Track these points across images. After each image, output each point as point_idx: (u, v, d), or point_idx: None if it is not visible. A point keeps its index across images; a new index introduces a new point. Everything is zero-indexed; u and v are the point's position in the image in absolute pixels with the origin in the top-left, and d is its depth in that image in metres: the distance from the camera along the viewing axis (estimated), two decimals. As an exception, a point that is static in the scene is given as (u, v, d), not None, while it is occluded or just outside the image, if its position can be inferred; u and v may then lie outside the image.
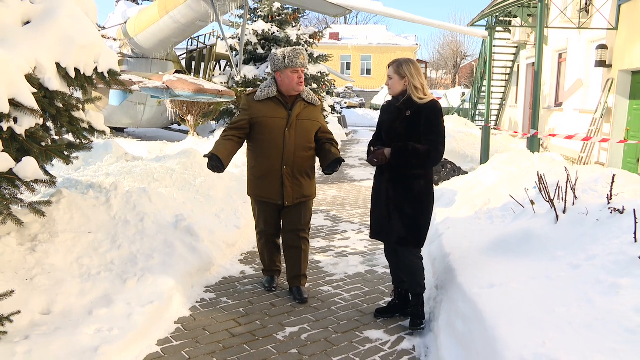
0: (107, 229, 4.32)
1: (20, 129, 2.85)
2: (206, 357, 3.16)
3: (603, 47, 10.53)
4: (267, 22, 15.13)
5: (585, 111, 11.65)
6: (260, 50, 15.00)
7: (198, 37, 15.51)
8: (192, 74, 14.95)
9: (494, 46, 16.15)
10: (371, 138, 3.73)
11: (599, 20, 10.99)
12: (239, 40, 14.26)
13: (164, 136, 14.33)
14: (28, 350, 2.75)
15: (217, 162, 3.70)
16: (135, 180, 5.57)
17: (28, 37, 3.40)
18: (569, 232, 3.29)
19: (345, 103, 34.03)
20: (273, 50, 4.02)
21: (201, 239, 4.66)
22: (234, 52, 14.54)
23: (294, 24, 16.02)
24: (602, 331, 2.19)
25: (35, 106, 2.86)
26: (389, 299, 4.01)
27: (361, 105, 37.24)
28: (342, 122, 23.91)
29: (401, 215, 3.46)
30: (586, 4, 11.84)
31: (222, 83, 13.73)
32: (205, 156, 3.78)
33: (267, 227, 4.16)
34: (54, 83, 3.23)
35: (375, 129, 3.75)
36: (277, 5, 15.12)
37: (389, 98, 3.70)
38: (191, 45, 16.29)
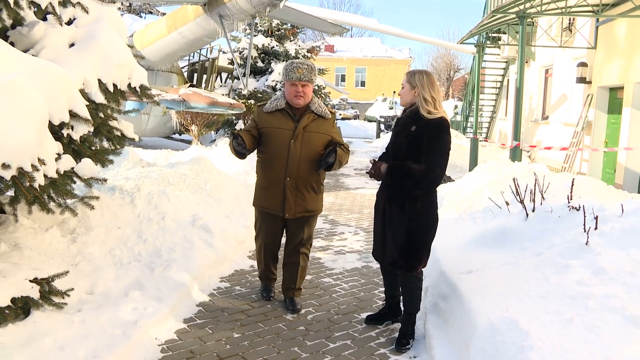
0: (133, 225, 4.87)
1: (76, 135, 3.42)
2: (227, 332, 3.70)
3: (583, 64, 11.23)
4: (266, 37, 15.79)
5: (568, 124, 12.32)
6: (260, 64, 15.65)
7: (200, 50, 16.12)
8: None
9: (485, 61, 16.89)
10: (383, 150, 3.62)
11: (580, 39, 11.69)
12: (240, 53, 14.93)
13: (167, 145, 14.86)
14: (82, 320, 3.29)
15: (241, 141, 3.69)
16: (153, 184, 6.13)
17: (75, 57, 3.96)
18: (536, 226, 3.88)
19: (340, 115, 34.80)
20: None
21: (215, 236, 5.21)
22: (235, 65, 15.16)
23: (292, 39, 16.71)
24: (551, 299, 2.77)
25: (89, 116, 3.42)
26: (381, 303, 4.06)
27: (355, 117, 37.96)
28: (337, 133, 24.65)
29: (394, 237, 3.33)
30: (569, 23, 12.56)
31: (223, 95, 14.34)
32: (232, 133, 3.79)
33: (267, 238, 4.12)
34: (100, 97, 3.79)
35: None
36: (276, 20, 15.79)
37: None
38: (193, 57, 16.89)
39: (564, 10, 9.68)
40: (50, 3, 3.61)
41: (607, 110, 10.77)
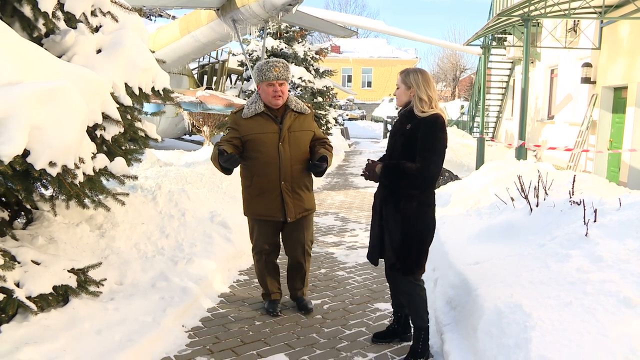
0: (156, 221, 5.12)
1: (108, 136, 3.67)
2: (248, 320, 3.95)
3: (588, 65, 11.41)
4: (275, 39, 16.03)
5: (573, 124, 12.49)
6: (268, 65, 15.88)
7: (210, 52, 16.39)
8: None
9: (491, 61, 17.07)
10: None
11: (585, 40, 11.87)
12: (249, 56, 15.20)
13: (178, 146, 15.10)
14: (116, 308, 3.55)
15: (230, 156, 3.47)
16: (172, 183, 6.39)
17: (103, 62, 4.22)
18: (540, 220, 4.10)
19: (347, 115, 35.05)
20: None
21: (233, 231, 5.46)
22: (245, 68, 15.40)
23: (300, 41, 16.95)
24: (553, 285, 2.99)
25: (120, 118, 3.67)
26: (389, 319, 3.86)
27: (362, 118, 38.20)
28: (345, 133, 24.93)
29: (391, 239, 3.18)
30: (574, 24, 12.74)
31: (234, 96, 14.58)
32: (219, 149, 3.54)
33: (267, 246, 3.99)
34: (128, 100, 4.04)
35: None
36: (285, 23, 16.03)
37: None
38: (203, 60, 17.15)
39: (566, 12, 9.86)
40: (83, 13, 3.86)
41: (612, 109, 10.95)
